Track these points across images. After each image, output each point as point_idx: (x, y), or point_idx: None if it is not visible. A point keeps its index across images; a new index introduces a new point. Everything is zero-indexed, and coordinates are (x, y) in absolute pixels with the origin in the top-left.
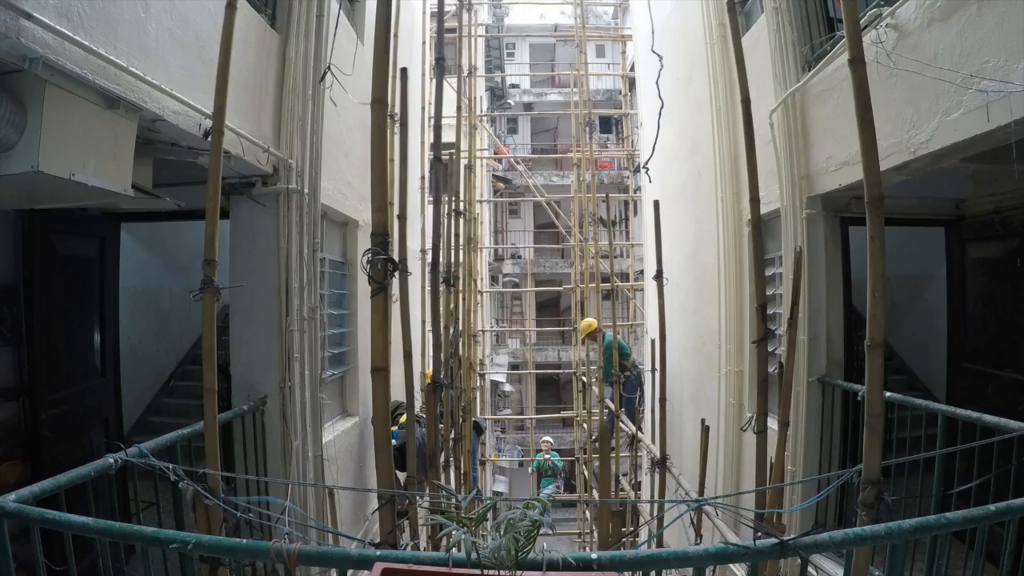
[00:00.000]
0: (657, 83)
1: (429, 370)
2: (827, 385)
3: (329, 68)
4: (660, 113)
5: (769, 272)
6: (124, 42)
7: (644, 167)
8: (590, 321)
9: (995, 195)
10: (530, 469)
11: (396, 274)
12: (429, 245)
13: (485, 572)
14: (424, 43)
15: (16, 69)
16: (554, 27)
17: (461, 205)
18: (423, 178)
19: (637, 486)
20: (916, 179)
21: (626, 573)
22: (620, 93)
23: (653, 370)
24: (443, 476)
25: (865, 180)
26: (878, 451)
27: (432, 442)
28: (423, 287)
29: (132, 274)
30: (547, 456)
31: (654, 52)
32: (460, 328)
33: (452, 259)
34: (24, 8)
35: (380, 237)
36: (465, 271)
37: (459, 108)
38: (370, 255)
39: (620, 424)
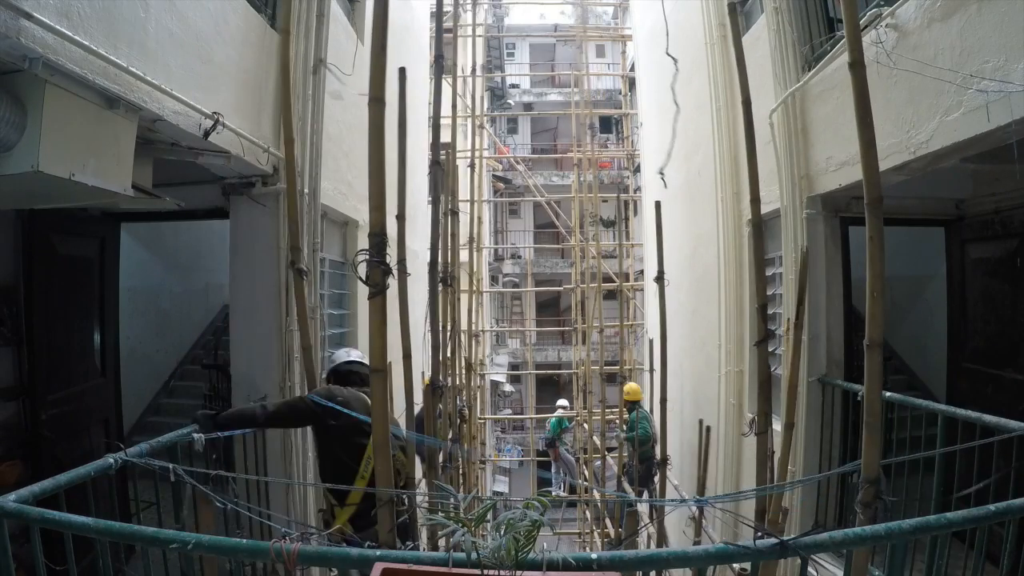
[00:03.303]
0: (673, 88)
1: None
2: (827, 385)
3: (323, 60)
4: (676, 119)
5: (769, 272)
6: (124, 42)
7: (660, 173)
8: (635, 387)
9: (995, 195)
10: (541, 434)
11: (395, 274)
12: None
13: (485, 572)
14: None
15: (16, 69)
16: (554, 27)
17: (457, 204)
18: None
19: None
20: (916, 179)
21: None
22: (620, 93)
23: (652, 370)
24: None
25: (864, 181)
26: (877, 450)
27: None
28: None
29: (132, 274)
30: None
31: (669, 55)
32: (459, 328)
33: (449, 259)
34: (24, 8)
35: (378, 237)
36: (469, 271)
37: (454, 107)
38: (363, 256)
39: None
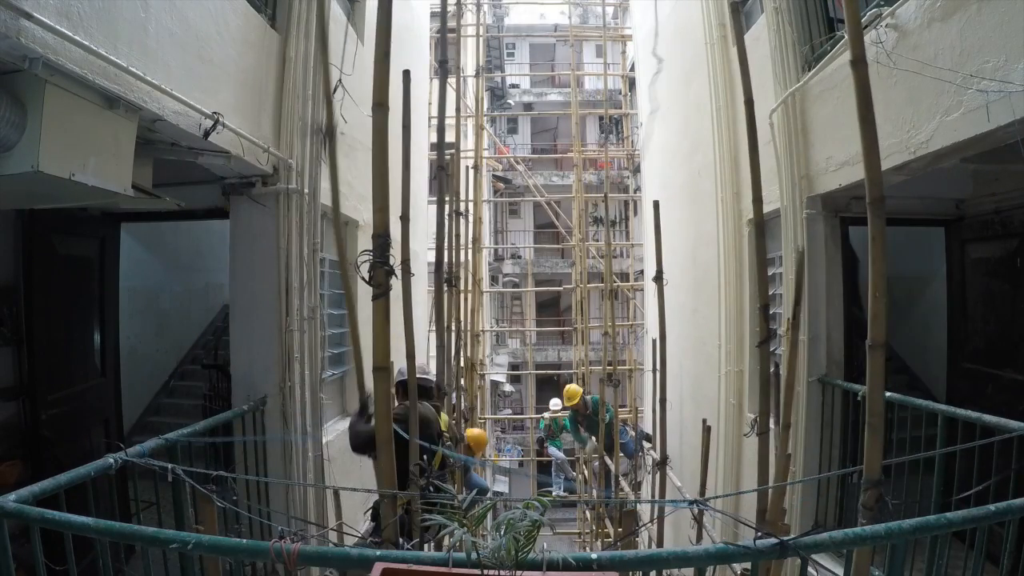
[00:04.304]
0: (650, 86)
1: None
2: (827, 385)
3: (340, 81)
4: (653, 118)
5: (769, 272)
6: (124, 42)
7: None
8: (575, 389)
9: (995, 195)
10: (551, 450)
11: (398, 275)
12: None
13: (485, 572)
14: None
15: (16, 69)
16: (554, 27)
17: (461, 206)
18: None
19: (638, 487)
20: (916, 179)
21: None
22: (620, 93)
23: (654, 370)
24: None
25: (867, 180)
26: (879, 451)
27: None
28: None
29: (132, 274)
30: (555, 415)
31: (655, 55)
32: (462, 328)
33: (453, 260)
34: (24, 8)
35: (382, 239)
36: (468, 271)
37: (458, 109)
38: (365, 258)
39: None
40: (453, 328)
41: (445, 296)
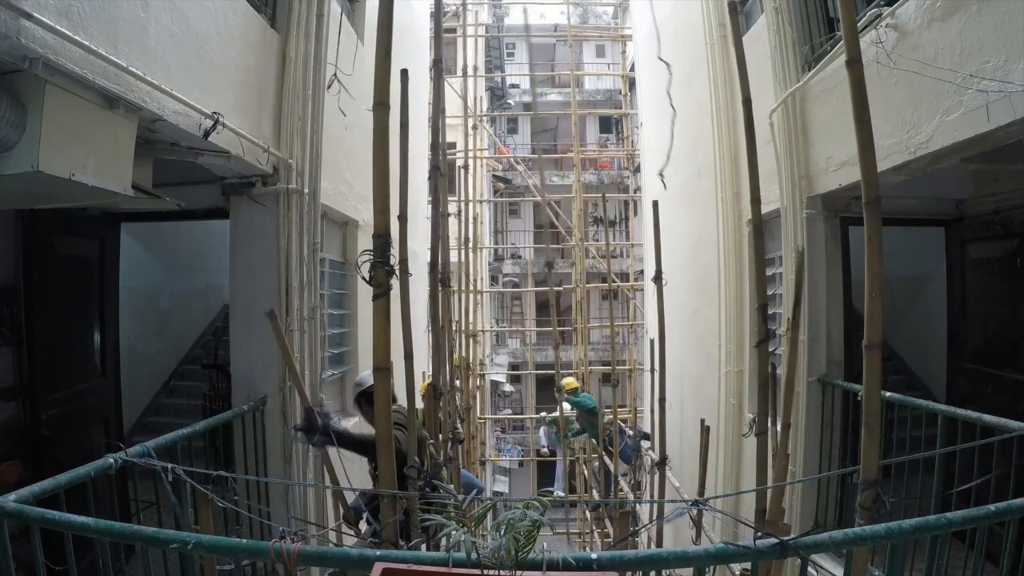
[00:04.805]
0: (668, 92)
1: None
2: (827, 385)
3: (336, 75)
4: (673, 122)
5: (769, 272)
6: (124, 42)
7: (659, 174)
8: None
9: (995, 195)
10: (543, 429)
11: (397, 275)
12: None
13: (485, 572)
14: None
15: (16, 69)
16: (554, 27)
17: (451, 207)
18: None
19: (637, 486)
20: (916, 179)
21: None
22: (620, 93)
23: (653, 370)
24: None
25: (863, 181)
26: (876, 451)
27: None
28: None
29: (132, 274)
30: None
31: (661, 59)
32: (456, 328)
33: (446, 260)
34: (24, 8)
35: (382, 239)
36: (460, 271)
37: (444, 111)
38: (366, 258)
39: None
40: (446, 328)
41: (440, 296)
